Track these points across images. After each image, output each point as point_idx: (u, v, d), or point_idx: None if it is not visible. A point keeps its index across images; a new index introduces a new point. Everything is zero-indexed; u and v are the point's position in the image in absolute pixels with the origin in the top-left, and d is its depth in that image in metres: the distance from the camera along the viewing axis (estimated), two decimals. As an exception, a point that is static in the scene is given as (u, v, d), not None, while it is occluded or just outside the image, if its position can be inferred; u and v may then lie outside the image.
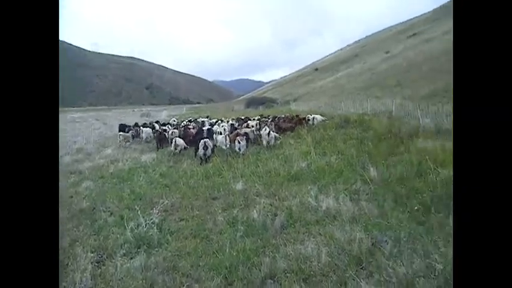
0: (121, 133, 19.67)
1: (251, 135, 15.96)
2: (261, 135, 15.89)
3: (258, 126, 18.03)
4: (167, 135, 17.90)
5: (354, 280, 4.61)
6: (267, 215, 7.10)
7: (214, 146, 14.17)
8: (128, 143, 18.48)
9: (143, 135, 19.40)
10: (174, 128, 20.12)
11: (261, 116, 24.79)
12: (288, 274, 4.94)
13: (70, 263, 5.60)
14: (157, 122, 25.92)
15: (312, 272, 4.91)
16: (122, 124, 23.17)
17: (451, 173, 7.79)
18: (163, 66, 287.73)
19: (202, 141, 13.33)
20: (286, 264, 5.16)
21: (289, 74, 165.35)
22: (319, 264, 5.08)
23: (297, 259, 5.27)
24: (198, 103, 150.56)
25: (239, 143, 13.68)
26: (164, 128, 20.69)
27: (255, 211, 7.30)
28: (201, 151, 13.14)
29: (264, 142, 14.96)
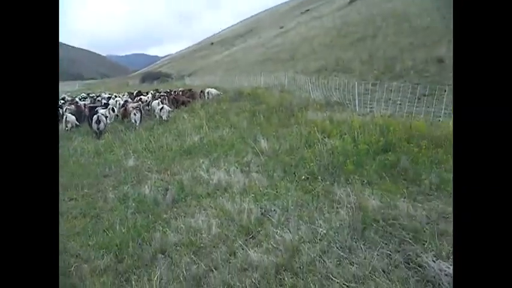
0: None
1: (142, 110, 15.81)
2: (153, 109, 15.86)
3: (149, 100, 17.81)
4: (61, 111, 16.89)
5: (243, 249, 4.68)
6: (158, 190, 6.99)
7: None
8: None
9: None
10: (69, 104, 19.11)
11: (156, 90, 24.39)
12: (178, 247, 4.90)
13: None
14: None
15: (202, 244, 4.91)
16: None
17: (337, 143, 8.21)
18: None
19: (95, 116, 13.19)
20: (177, 238, 5.12)
21: (186, 49, 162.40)
22: (209, 236, 5.10)
23: (187, 232, 5.25)
24: (92, 79, 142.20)
25: (135, 115, 13.95)
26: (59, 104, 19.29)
27: (146, 187, 7.16)
28: (94, 125, 13.00)
29: (157, 116, 14.90)
